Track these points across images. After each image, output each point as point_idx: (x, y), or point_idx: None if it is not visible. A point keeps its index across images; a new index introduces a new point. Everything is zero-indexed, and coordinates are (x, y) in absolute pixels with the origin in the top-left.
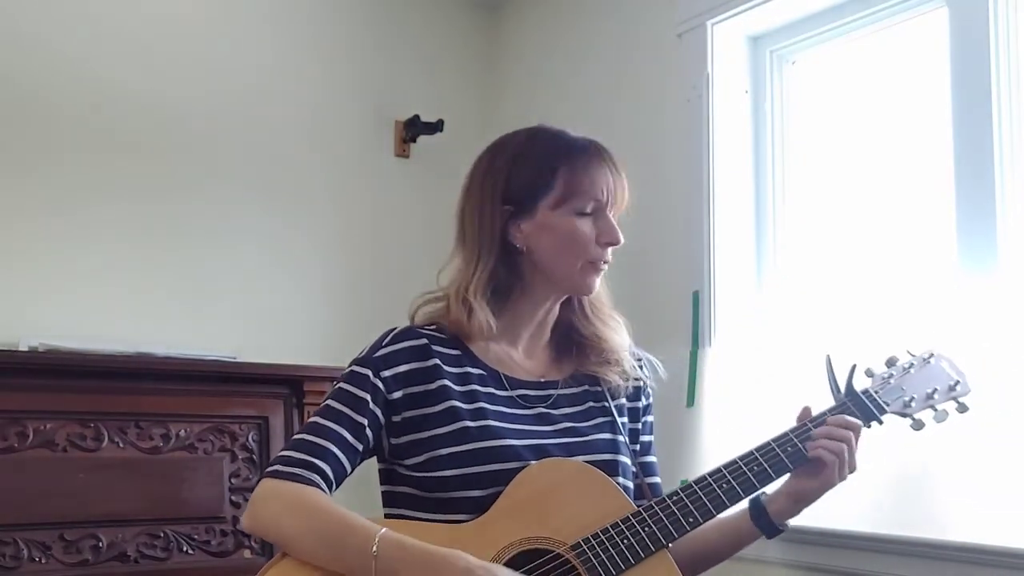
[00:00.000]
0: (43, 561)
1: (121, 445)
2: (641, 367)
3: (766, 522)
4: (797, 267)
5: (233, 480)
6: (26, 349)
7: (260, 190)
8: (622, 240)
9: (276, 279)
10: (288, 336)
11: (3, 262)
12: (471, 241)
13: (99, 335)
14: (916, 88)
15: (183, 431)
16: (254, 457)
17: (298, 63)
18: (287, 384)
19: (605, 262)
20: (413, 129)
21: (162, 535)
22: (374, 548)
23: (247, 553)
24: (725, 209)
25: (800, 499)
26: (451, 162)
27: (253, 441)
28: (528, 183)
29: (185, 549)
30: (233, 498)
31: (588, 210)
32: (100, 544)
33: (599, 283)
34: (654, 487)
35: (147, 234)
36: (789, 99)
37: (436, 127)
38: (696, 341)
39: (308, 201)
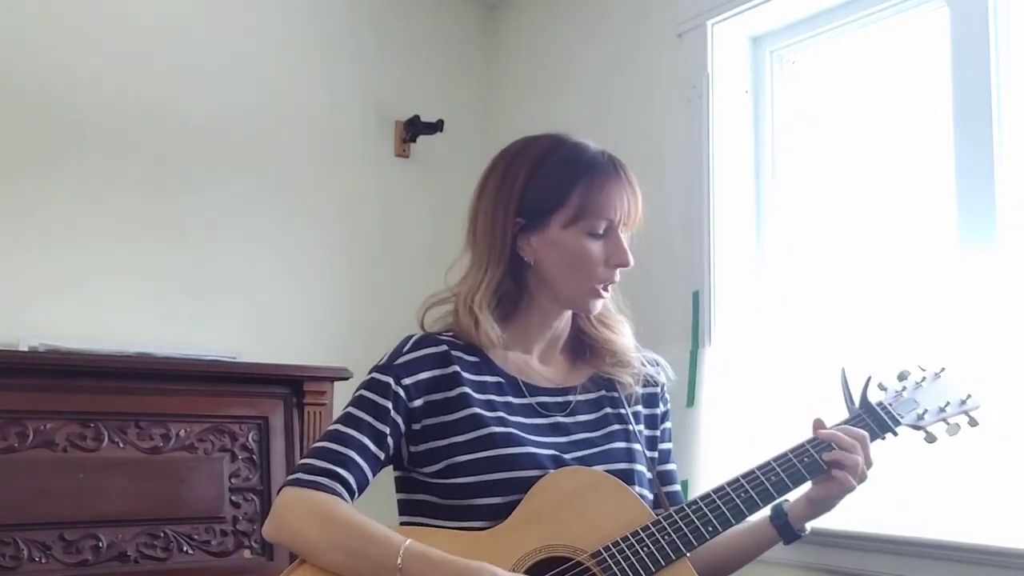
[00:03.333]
0: (43, 561)
1: (121, 445)
2: (658, 370)
3: (784, 525)
4: (797, 267)
5: (233, 480)
6: (26, 349)
7: (260, 190)
8: (632, 262)
9: (276, 279)
10: (288, 336)
11: (3, 262)
12: (481, 247)
13: (99, 335)
14: (916, 88)
15: (183, 431)
16: (254, 457)
17: (298, 63)
18: (287, 384)
19: (610, 284)
20: (413, 129)
21: (162, 535)
22: (399, 561)
23: (247, 553)
24: (725, 209)
25: (818, 505)
26: (451, 162)
27: (253, 441)
28: (543, 197)
29: (185, 549)
30: (233, 498)
31: (600, 230)
32: (100, 544)
33: (601, 305)
34: (673, 496)
35: (147, 234)
36: (789, 99)
37: (436, 127)
38: (696, 341)
39: (308, 201)
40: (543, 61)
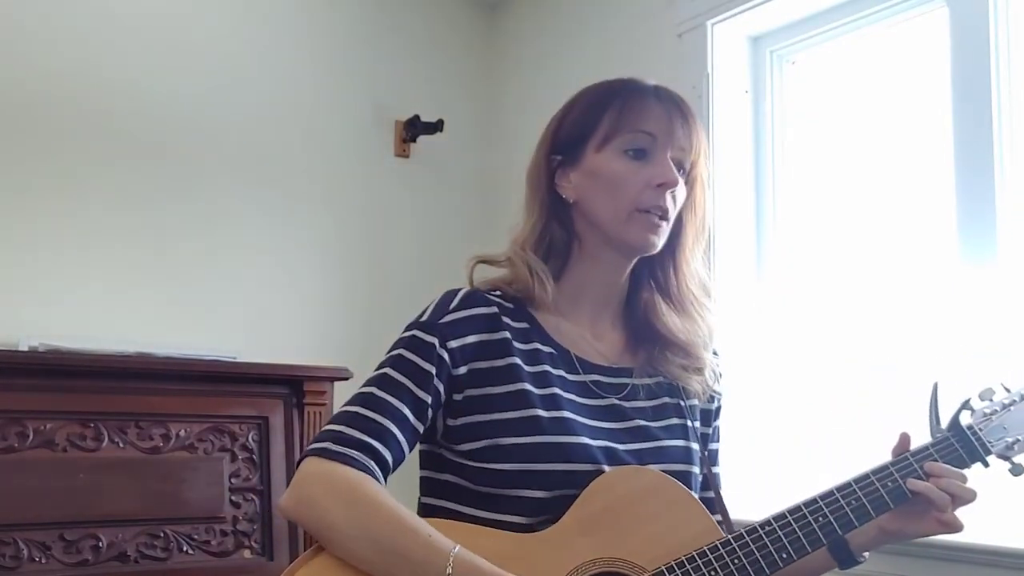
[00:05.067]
0: (43, 561)
1: (121, 445)
2: (718, 386)
3: (845, 554)
4: (797, 267)
5: (233, 480)
6: (26, 349)
7: (260, 190)
8: (678, 181)
9: (276, 279)
10: (288, 336)
11: (3, 262)
12: (527, 198)
13: (99, 335)
14: (916, 88)
15: (183, 431)
16: (254, 457)
17: (298, 63)
18: (287, 384)
19: (662, 214)
20: (413, 129)
21: (162, 535)
22: (449, 570)
23: (247, 553)
24: (725, 209)
25: (892, 536)
26: (451, 162)
27: (253, 441)
28: (575, 126)
29: (185, 549)
30: (233, 498)
31: (639, 147)
32: (100, 544)
33: (660, 239)
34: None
35: (147, 234)
36: (789, 99)
37: (436, 127)
38: None
39: (308, 201)
40: (543, 61)
